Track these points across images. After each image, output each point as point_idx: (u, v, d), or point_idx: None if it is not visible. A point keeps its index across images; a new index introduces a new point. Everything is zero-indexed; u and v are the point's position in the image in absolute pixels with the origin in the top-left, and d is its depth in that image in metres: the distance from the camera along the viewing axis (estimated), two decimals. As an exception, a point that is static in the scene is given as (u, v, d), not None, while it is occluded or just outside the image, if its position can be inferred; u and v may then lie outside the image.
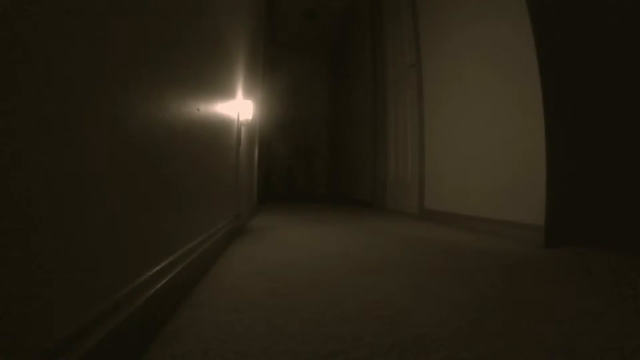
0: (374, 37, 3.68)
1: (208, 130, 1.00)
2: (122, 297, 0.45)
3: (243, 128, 1.86)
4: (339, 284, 0.85)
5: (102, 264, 0.42)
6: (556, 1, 1.46)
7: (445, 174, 2.22)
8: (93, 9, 0.39)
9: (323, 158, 5.93)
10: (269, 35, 4.17)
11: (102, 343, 0.38)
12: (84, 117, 0.38)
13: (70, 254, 0.36)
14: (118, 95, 0.45)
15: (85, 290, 0.38)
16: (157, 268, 0.59)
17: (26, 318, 0.30)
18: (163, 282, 0.59)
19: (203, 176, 0.95)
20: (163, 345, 0.51)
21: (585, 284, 0.85)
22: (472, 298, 0.74)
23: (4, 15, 0.26)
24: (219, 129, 1.19)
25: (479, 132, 1.87)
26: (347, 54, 4.99)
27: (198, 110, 0.86)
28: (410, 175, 2.91)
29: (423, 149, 2.53)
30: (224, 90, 1.25)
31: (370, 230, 1.89)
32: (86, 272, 0.39)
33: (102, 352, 0.38)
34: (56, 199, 0.33)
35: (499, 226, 1.65)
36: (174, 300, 0.67)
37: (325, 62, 6.08)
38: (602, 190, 1.46)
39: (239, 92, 1.67)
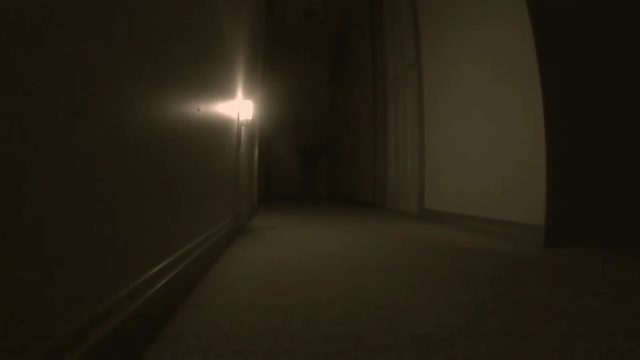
0: (374, 36, 3.68)
1: (208, 130, 1.00)
2: (122, 297, 0.45)
3: (243, 128, 1.86)
4: (339, 283, 0.85)
5: (102, 263, 0.42)
6: (556, 1, 1.46)
7: (445, 174, 2.22)
8: (93, 9, 0.39)
9: (323, 158, 5.93)
10: (269, 35, 4.17)
11: (102, 343, 0.38)
12: (84, 116, 0.38)
13: (70, 254, 0.36)
14: (118, 94, 0.45)
15: (85, 290, 0.38)
16: (157, 268, 0.59)
17: (26, 318, 0.30)
18: (163, 282, 0.59)
19: (203, 176, 0.95)
20: (163, 346, 0.51)
21: (585, 284, 0.85)
22: (472, 298, 0.74)
23: (3, 13, 0.26)
24: (219, 129, 1.19)
25: (478, 131, 1.87)
26: (346, 54, 4.99)
27: (198, 110, 0.86)
28: (410, 175, 2.91)
29: (423, 148, 2.53)
30: (224, 90, 1.25)
31: (371, 230, 1.89)
32: (86, 271, 0.39)
33: (102, 352, 0.38)
34: (56, 198, 0.33)
35: (499, 226, 1.65)
36: (174, 300, 0.67)
37: (325, 61, 6.08)
38: (602, 190, 1.46)
39: (239, 92, 1.67)
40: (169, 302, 0.63)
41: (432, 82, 2.41)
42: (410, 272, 0.97)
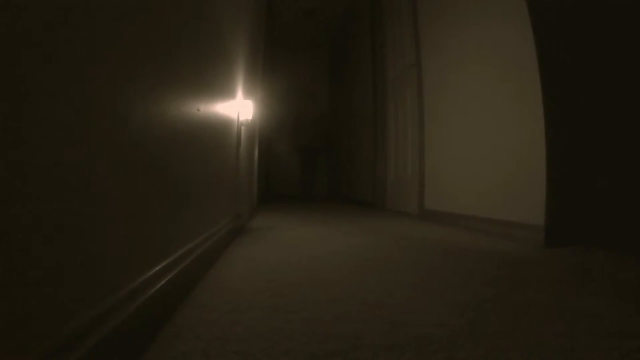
0: (374, 36, 3.68)
1: (208, 130, 1.00)
2: (122, 297, 0.45)
3: (243, 128, 1.86)
4: (339, 283, 0.85)
5: (102, 263, 0.42)
6: (556, 1, 1.46)
7: (445, 174, 2.22)
8: (94, 11, 0.39)
9: (323, 158, 5.93)
10: (269, 35, 4.17)
11: (102, 343, 0.38)
12: (84, 116, 0.38)
13: (70, 254, 0.36)
14: (118, 95, 0.45)
15: (85, 290, 0.38)
16: (157, 268, 0.59)
17: (26, 318, 0.30)
18: (163, 282, 0.59)
19: (203, 176, 0.95)
20: (163, 346, 0.51)
21: (585, 284, 0.85)
22: (471, 298, 0.74)
23: (5, 14, 0.26)
24: (219, 129, 1.19)
25: (479, 131, 1.87)
26: (347, 54, 4.99)
27: (198, 110, 0.86)
28: (410, 175, 2.91)
29: (423, 148, 2.53)
30: (224, 90, 1.25)
31: (371, 230, 1.89)
32: (86, 272, 0.39)
33: (102, 352, 0.38)
34: (56, 198, 0.33)
35: (499, 226, 1.65)
36: (174, 300, 0.67)
37: (325, 61, 6.08)
38: (602, 189, 1.46)
39: (239, 92, 1.67)
40: (169, 302, 0.63)
41: (432, 82, 2.41)
42: (411, 272, 0.97)
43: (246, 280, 0.88)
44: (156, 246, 0.60)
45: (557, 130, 1.40)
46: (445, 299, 0.74)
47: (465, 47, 1.99)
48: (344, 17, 4.90)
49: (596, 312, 0.65)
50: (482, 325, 0.60)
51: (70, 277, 0.36)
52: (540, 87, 1.41)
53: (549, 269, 1.02)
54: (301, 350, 0.51)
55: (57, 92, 0.33)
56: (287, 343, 0.53)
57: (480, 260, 1.12)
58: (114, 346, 0.41)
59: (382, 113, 3.53)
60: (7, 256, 0.27)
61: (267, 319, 0.62)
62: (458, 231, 1.84)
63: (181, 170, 0.74)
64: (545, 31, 1.44)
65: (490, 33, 1.75)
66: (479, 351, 0.50)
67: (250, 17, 2.11)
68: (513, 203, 1.58)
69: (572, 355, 0.49)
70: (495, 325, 0.59)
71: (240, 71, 1.68)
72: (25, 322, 0.29)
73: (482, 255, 1.20)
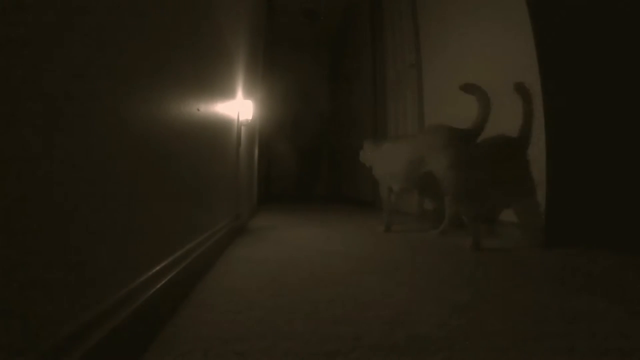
0: (374, 37, 3.68)
1: (208, 130, 1.00)
2: (122, 297, 0.45)
3: (243, 128, 1.85)
4: (339, 283, 0.85)
5: (102, 263, 0.42)
6: (556, 1, 1.46)
7: (445, 174, 2.21)
8: (95, 11, 0.39)
9: (323, 158, 5.93)
10: (269, 35, 4.17)
11: (102, 343, 0.38)
12: (84, 117, 0.38)
13: (70, 254, 0.36)
14: (119, 95, 0.45)
15: (85, 290, 0.38)
16: (158, 268, 0.59)
17: (26, 318, 0.30)
18: (163, 282, 0.59)
19: (203, 176, 0.95)
20: (163, 346, 0.51)
21: (585, 285, 0.85)
22: (471, 298, 0.74)
23: (6, 16, 0.26)
24: (219, 129, 1.19)
25: (479, 132, 1.86)
26: (347, 54, 4.99)
27: (198, 110, 0.86)
28: (410, 175, 2.90)
29: (423, 149, 2.52)
30: (224, 90, 1.25)
31: (371, 230, 1.89)
32: (86, 271, 0.39)
33: (102, 352, 0.38)
34: (56, 198, 0.33)
35: (499, 226, 1.65)
36: (174, 300, 0.67)
37: (325, 61, 6.08)
38: (602, 190, 1.46)
39: (239, 92, 1.67)
40: (169, 302, 0.63)
41: (433, 83, 2.41)
42: (410, 272, 0.97)
43: (246, 280, 0.88)
44: (156, 246, 0.60)
45: (558, 130, 1.40)
46: (445, 298, 0.74)
47: (466, 47, 1.99)
48: (344, 16, 4.90)
49: (596, 312, 0.65)
50: (482, 325, 0.60)
51: (71, 276, 0.36)
52: (540, 87, 1.41)
53: (549, 269, 1.02)
54: (301, 350, 0.51)
55: (57, 93, 0.33)
56: (287, 343, 0.53)
57: (480, 261, 1.12)
58: (114, 346, 0.41)
59: (382, 113, 3.53)
60: (7, 256, 0.27)
61: (267, 318, 0.62)
62: (458, 231, 1.84)
63: (181, 170, 0.74)
64: (546, 30, 1.44)
65: (491, 32, 1.75)
66: (479, 351, 0.50)
67: (250, 17, 2.11)
68: (513, 203, 1.57)
69: (572, 355, 0.49)
70: (496, 325, 0.59)
71: (240, 71, 1.68)
72: (25, 322, 0.29)
73: (482, 256, 1.20)
